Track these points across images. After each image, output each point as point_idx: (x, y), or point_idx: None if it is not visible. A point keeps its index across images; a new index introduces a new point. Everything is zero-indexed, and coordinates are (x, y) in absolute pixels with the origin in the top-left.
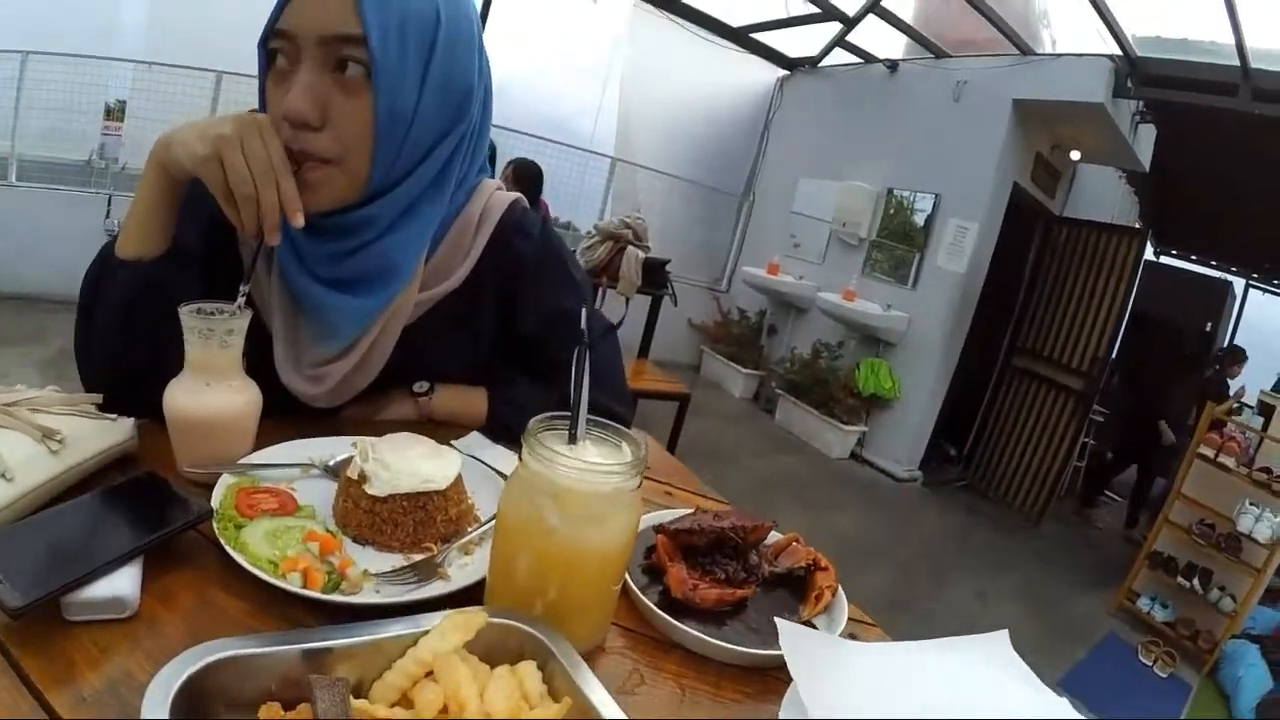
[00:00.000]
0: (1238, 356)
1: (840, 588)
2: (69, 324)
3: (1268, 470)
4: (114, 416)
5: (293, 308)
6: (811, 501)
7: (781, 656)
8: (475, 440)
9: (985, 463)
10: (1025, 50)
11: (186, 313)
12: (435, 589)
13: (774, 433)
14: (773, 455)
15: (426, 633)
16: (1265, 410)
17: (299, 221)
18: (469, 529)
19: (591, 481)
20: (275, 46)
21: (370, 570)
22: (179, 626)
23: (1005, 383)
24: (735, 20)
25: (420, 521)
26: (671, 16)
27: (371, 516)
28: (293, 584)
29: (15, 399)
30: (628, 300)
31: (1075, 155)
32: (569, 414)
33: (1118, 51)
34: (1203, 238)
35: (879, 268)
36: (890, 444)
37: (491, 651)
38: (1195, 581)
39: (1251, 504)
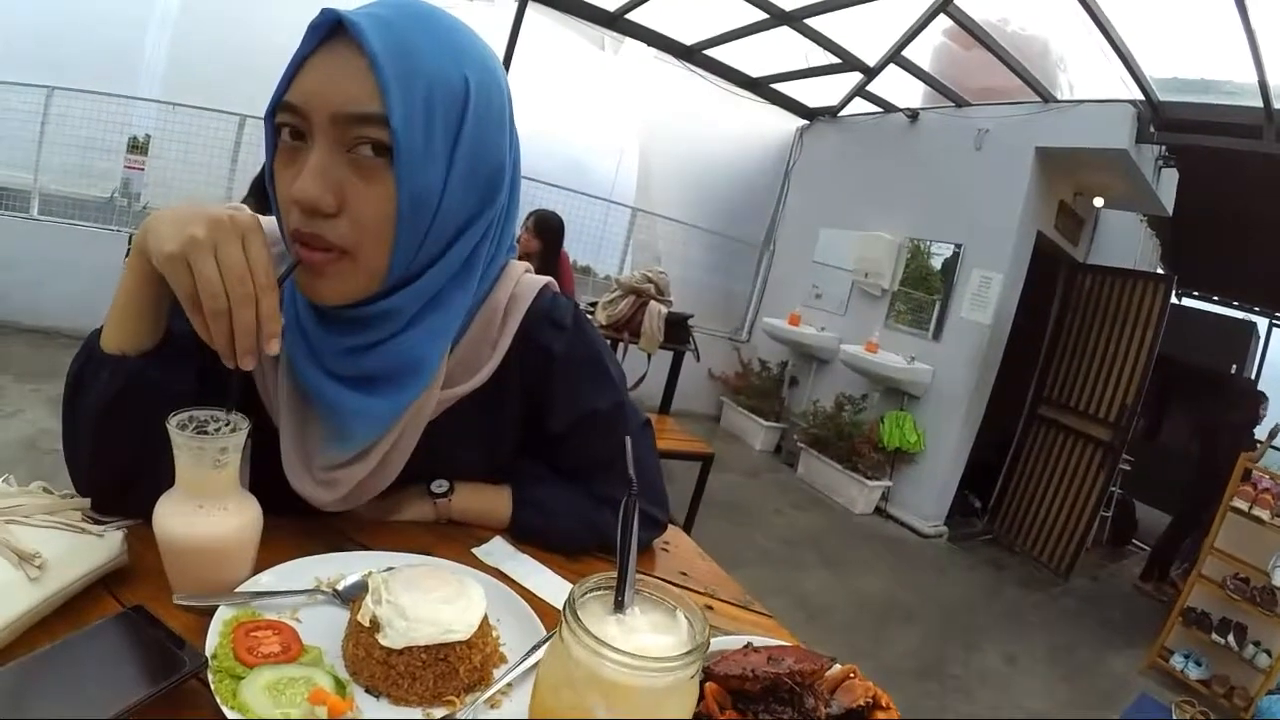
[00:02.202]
0: (1260, 399)
1: None
2: None
3: None
4: (101, 531)
5: (301, 403)
6: (835, 560)
7: None
8: (498, 548)
9: (1011, 516)
10: (1046, 97)
11: (175, 429)
12: None
13: (796, 487)
14: (795, 511)
15: None
16: None
17: (274, 349)
18: (495, 674)
19: (646, 674)
20: (284, 121)
21: None
22: None
23: (1031, 434)
24: (755, 71)
25: (441, 674)
26: (691, 68)
27: (386, 669)
28: None
29: None
30: (649, 356)
31: (1099, 202)
32: (614, 577)
33: (1139, 96)
34: (1224, 278)
35: (902, 319)
36: (915, 499)
37: None
38: (1230, 638)
39: None
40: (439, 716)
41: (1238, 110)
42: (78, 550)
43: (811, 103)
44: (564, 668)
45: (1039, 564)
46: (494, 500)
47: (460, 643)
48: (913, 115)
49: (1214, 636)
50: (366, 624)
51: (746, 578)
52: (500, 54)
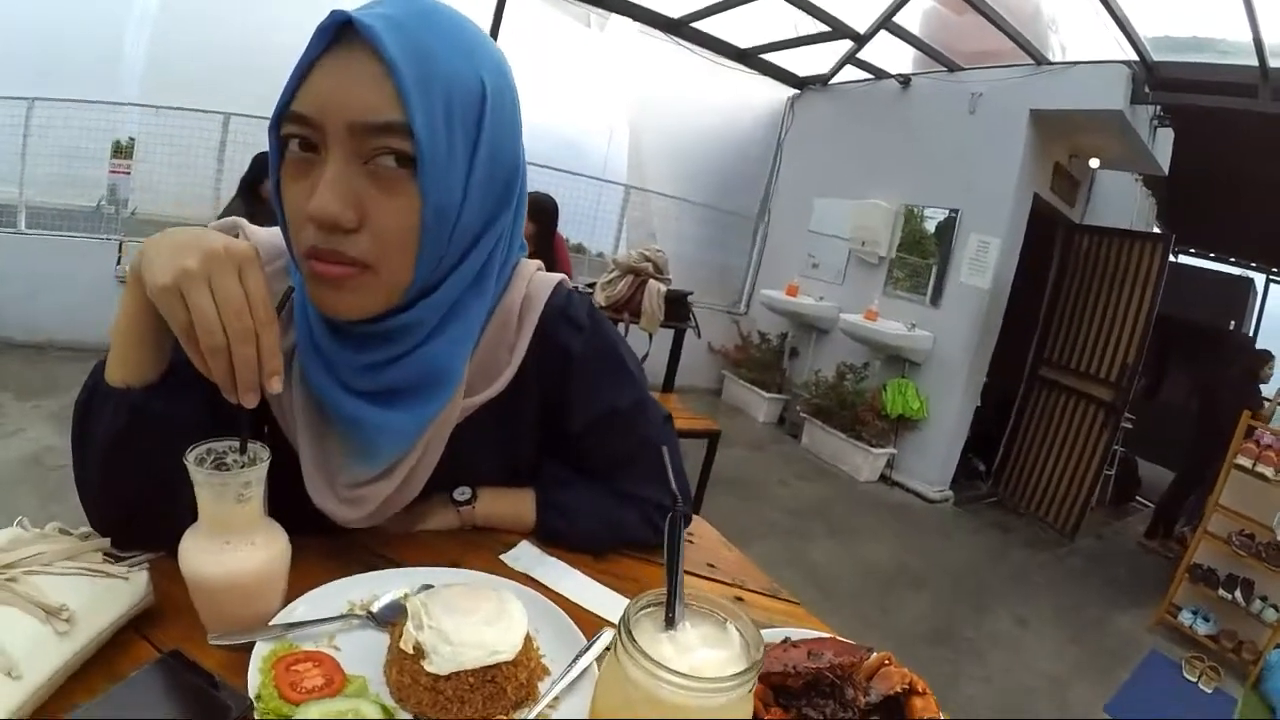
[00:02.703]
0: (1265, 359)
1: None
2: (81, 373)
3: None
4: (126, 572)
5: (319, 420)
6: (843, 529)
7: None
8: (526, 553)
9: (1015, 478)
10: (1040, 60)
11: (195, 466)
12: None
13: (801, 458)
14: (800, 482)
15: None
16: None
17: (275, 387)
18: (540, 688)
19: (705, 694)
20: (293, 132)
21: None
22: None
23: (1033, 396)
24: (743, 42)
25: (489, 695)
26: (679, 41)
27: (434, 694)
28: None
29: (15, 558)
30: (651, 335)
31: (1094, 163)
32: (663, 593)
33: (1133, 56)
34: (1221, 235)
35: (901, 286)
36: (920, 465)
37: None
38: (1237, 593)
39: None
40: None
41: (1232, 69)
42: (105, 596)
43: (801, 72)
44: (622, 690)
45: (1044, 525)
46: (517, 504)
47: (503, 664)
48: (905, 81)
49: (1221, 592)
50: (410, 650)
51: (756, 552)
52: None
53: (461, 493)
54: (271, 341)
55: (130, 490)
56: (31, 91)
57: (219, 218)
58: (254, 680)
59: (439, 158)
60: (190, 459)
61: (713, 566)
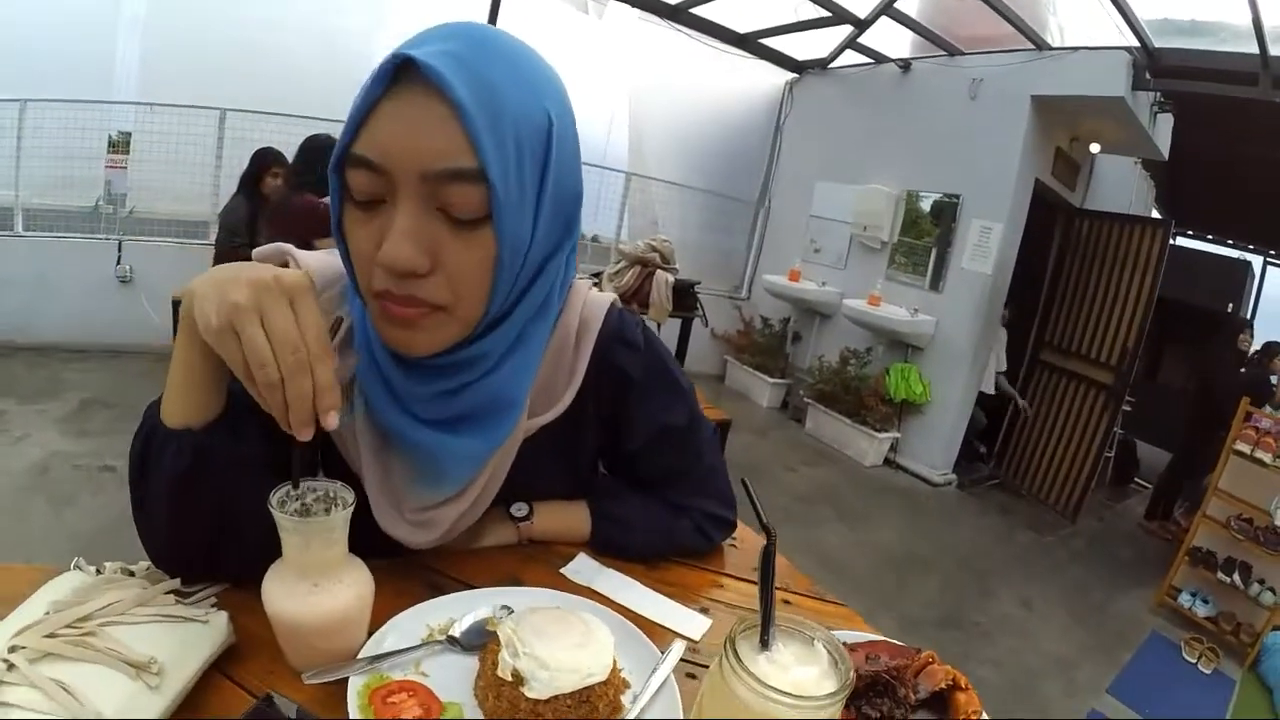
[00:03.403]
0: (1276, 351)
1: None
2: (86, 374)
3: None
4: (205, 616)
5: (381, 446)
6: (850, 513)
7: None
8: (584, 565)
9: (1017, 461)
10: (1040, 45)
11: (281, 513)
12: None
13: (805, 443)
14: (806, 467)
15: None
16: None
17: (331, 423)
18: (623, 701)
19: (810, 710)
20: (357, 176)
21: None
22: None
23: (1034, 380)
24: (742, 27)
25: (584, 715)
26: (677, 27)
27: (534, 718)
28: None
29: (90, 609)
30: (659, 326)
31: (1095, 148)
32: (759, 615)
33: (1133, 41)
34: (1219, 218)
35: (903, 271)
36: (924, 448)
37: None
38: (1235, 576)
39: None
40: None
41: (1233, 57)
42: (189, 642)
43: (801, 56)
44: (731, 707)
45: (1046, 507)
46: (572, 518)
47: (596, 685)
48: (905, 66)
49: (1220, 575)
50: (509, 677)
51: None
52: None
53: (519, 509)
54: (326, 376)
55: (198, 528)
56: (24, 93)
57: (220, 215)
58: (355, 716)
59: (511, 199)
60: (273, 502)
61: (756, 570)
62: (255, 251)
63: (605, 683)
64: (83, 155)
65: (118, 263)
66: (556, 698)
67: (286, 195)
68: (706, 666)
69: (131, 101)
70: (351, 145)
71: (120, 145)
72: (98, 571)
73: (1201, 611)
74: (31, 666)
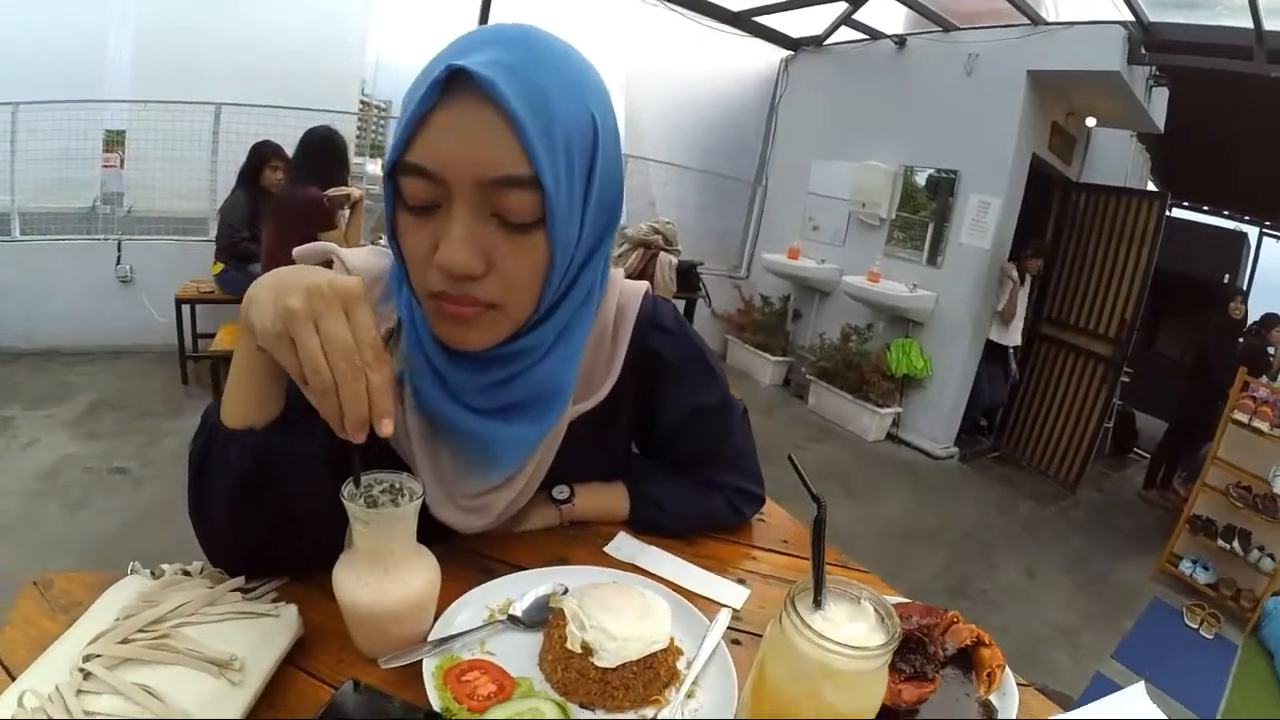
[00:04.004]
0: (1274, 322)
1: (1007, 666)
2: (91, 377)
3: None
4: (276, 610)
5: (431, 435)
6: (855, 488)
7: None
8: (626, 543)
9: (1017, 433)
10: (1035, 19)
11: (354, 505)
12: None
13: (808, 419)
14: (810, 443)
15: None
16: None
17: (386, 431)
18: (679, 666)
19: (864, 659)
20: (412, 184)
21: None
22: None
23: (1033, 352)
24: (736, 5)
25: (648, 681)
26: (671, 6)
27: (602, 685)
28: None
29: (161, 612)
30: None
31: (1091, 122)
32: (812, 577)
33: (1127, 15)
34: (1215, 190)
35: (902, 247)
36: (925, 423)
37: None
38: (1235, 543)
39: None
40: (649, 713)
41: (1228, 31)
42: (264, 637)
43: (795, 33)
44: (792, 662)
45: (1047, 478)
46: (611, 498)
47: (659, 651)
48: (900, 42)
49: (1219, 542)
50: (578, 649)
51: None
52: (475, 13)
53: (560, 491)
54: (380, 381)
55: (258, 526)
56: (15, 96)
57: (220, 211)
58: (434, 696)
59: (562, 203)
60: (346, 495)
61: (786, 542)
62: (297, 251)
63: (665, 649)
64: (77, 156)
65: (118, 263)
66: (623, 665)
67: (290, 188)
68: (750, 633)
69: (125, 100)
70: (405, 154)
71: (115, 144)
72: (153, 574)
73: (1202, 578)
74: (111, 673)
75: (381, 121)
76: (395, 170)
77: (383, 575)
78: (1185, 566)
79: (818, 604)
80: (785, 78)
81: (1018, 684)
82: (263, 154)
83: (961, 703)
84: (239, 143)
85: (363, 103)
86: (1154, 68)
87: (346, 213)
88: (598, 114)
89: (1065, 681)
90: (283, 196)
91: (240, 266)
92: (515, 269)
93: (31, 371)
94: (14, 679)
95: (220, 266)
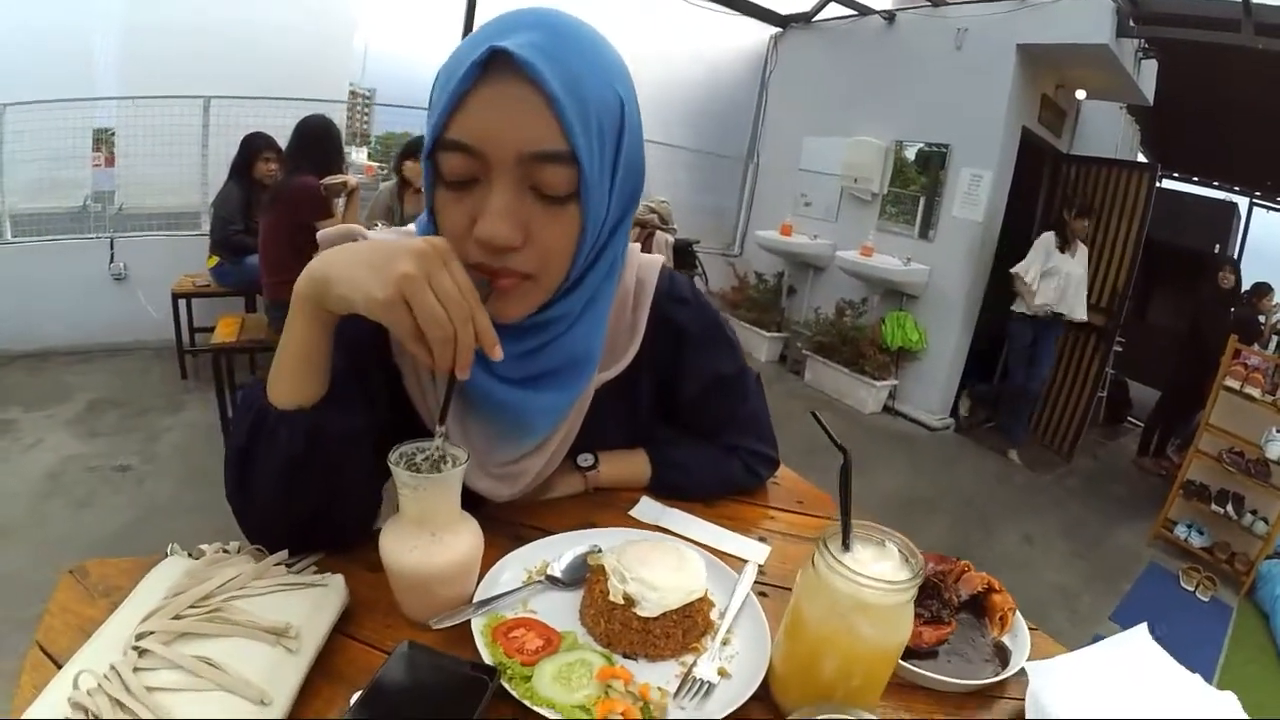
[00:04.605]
0: (1264, 291)
1: (1018, 610)
2: (88, 376)
3: None
4: (325, 580)
5: (461, 408)
6: (856, 459)
7: (992, 682)
8: (650, 507)
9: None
10: None
11: (403, 470)
12: (734, 690)
13: (805, 394)
14: (808, 420)
15: None
16: None
17: (498, 355)
18: (713, 618)
19: (893, 593)
20: (452, 159)
21: (656, 684)
22: None
23: None
24: None
25: (687, 629)
26: None
27: (645, 635)
28: None
29: (211, 587)
30: None
31: (1081, 94)
32: (840, 523)
33: None
34: (1205, 160)
35: (894, 221)
36: (921, 394)
37: None
38: (1229, 507)
39: (1278, 431)
40: (689, 660)
41: (1216, 4)
42: (315, 606)
43: (783, 9)
44: (828, 599)
45: (1043, 447)
46: (634, 465)
47: (697, 599)
48: (889, 17)
49: (1214, 507)
50: (620, 601)
51: None
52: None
53: (585, 459)
54: (485, 321)
55: (306, 506)
56: (2, 97)
57: (213, 204)
58: (486, 652)
59: (595, 177)
60: (397, 467)
61: (801, 502)
62: (322, 235)
63: (701, 599)
64: (67, 155)
65: (111, 261)
66: (664, 615)
67: (286, 178)
68: (775, 586)
69: (113, 97)
70: (446, 131)
71: (105, 142)
72: (190, 556)
73: (1197, 542)
74: (168, 648)
75: (367, 110)
76: (436, 147)
77: (430, 539)
78: (1180, 531)
79: (846, 546)
80: (775, 55)
81: (1028, 628)
82: (255, 145)
83: (977, 644)
84: (229, 135)
85: (352, 93)
86: (1143, 40)
87: (343, 201)
88: (623, 95)
89: (1065, 643)
90: (279, 186)
91: (235, 259)
92: (550, 240)
93: (29, 373)
94: (59, 666)
95: (215, 260)
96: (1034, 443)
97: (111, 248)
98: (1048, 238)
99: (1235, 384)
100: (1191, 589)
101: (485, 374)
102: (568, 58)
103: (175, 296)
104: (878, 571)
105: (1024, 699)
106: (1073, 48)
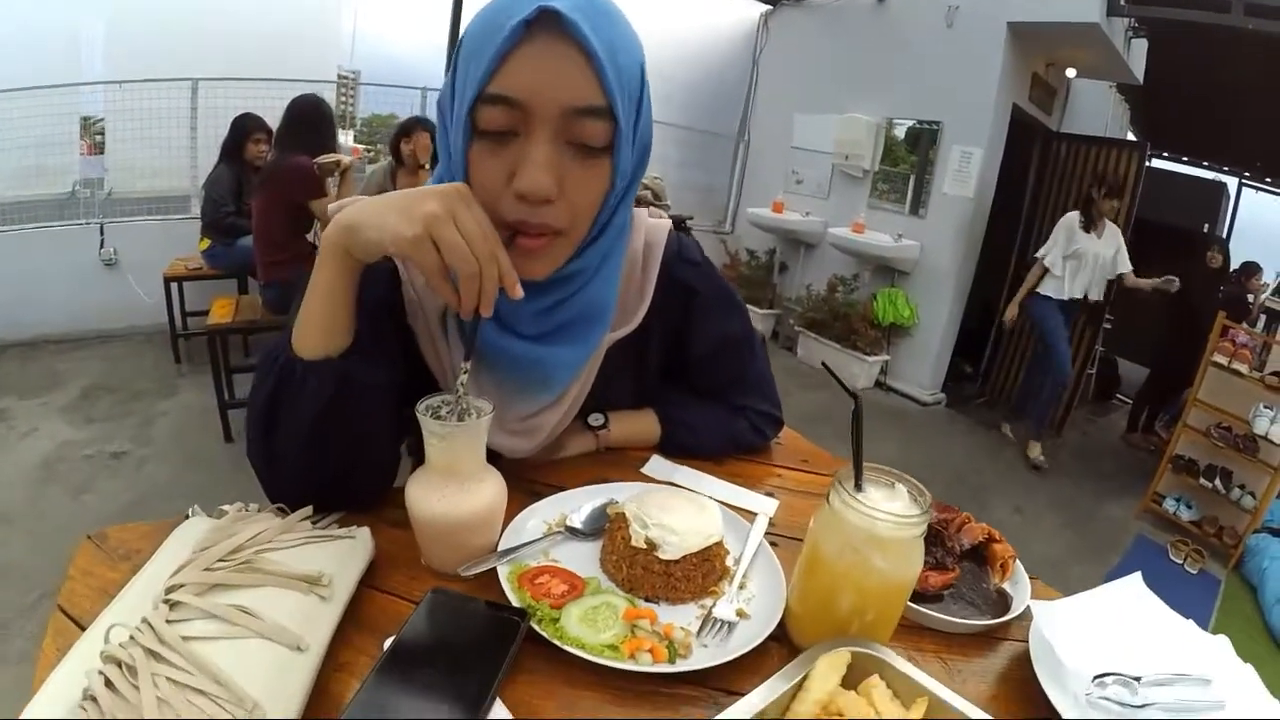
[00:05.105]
0: (1253, 270)
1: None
2: (81, 363)
3: (1279, 374)
4: (352, 533)
5: (479, 366)
6: (846, 435)
7: (996, 623)
8: (660, 465)
9: (1002, 379)
10: None
11: (431, 420)
12: (753, 630)
13: (798, 370)
14: (802, 393)
15: (804, 677)
16: (1272, 315)
17: (518, 293)
18: (728, 563)
19: (907, 527)
20: (493, 113)
21: (681, 626)
22: None
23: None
24: None
25: (706, 572)
26: None
27: (666, 578)
28: (645, 664)
29: (239, 541)
30: None
31: (1071, 73)
32: (852, 465)
33: None
34: (1194, 140)
35: (886, 198)
36: (913, 370)
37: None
38: (1217, 482)
39: (1266, 407)
40: (708, 603)
41: None
42: (345, 557)
43: None
44: (843, 535)
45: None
46: (643, 424)
47: (715, 543)
48: None
49: (1202, 481)
50: (642, 545)
51: None
52: None
53: (596, 419)
54: (507, 260)
55: (331, 461)
56: None
57: (204, 186)
58: (514, 597)
59: (626, 135)
60: (424, 416)
61: (805, 461)
62: (332, 206)
63: (718, 543)
64: (54, 142)
65: (101, 247)
66: (685, 558)
67: (278, 158)
68: (784, 537)
69: (100, 81)
70: (489, 85)
71: (92, 127)
72: (211, 518)
73: (1185, 516)
74: (202, 599)
75: (352, 91)
76: (479, 101)
77: (457, 488)
78: (1169, 504)
79: (859, 487)
80: (765, 32)
81: (1029, 577)
82: (245, 126)
83: (980, 590)
84: (217, 118)
85: (340, 75)
86: (1133, 19)
87: (336, 180)
88: (643, 62)
89: None
90: (271, 166)
91: (227, 241)
92: (583, 194)
93: (21, 362)
94: (83, 629)
95: (207, 242)
96: (1024, 418)
97: (101, 233)
98: (1071, 218)
99: (1223, 359)
100: (1180, 561)
101: (502, 332)
102: (604, 23)
103: (167, 280)
104: (887, 509)
105: (1026, 641)
106: (1063, 26)
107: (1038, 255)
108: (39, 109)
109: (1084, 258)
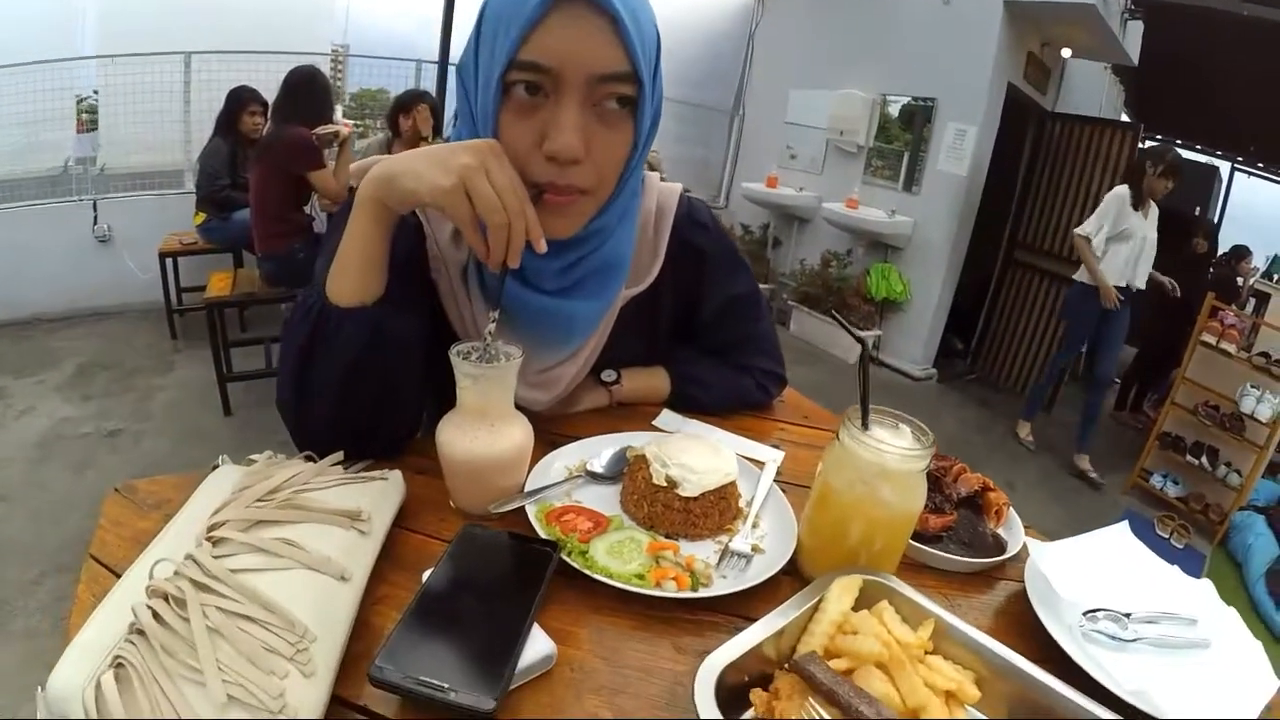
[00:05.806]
0: (1243, 254)
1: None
2: (76, 340)
3: (1266, 355)
4: (386, 475)
5: (500, 321)
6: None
7: (993, 562)
8: (671, 419)
9: (993, 355)
10: None
11: (465, 362)
12: (768, 562)
13: (791, 344)
14: (796, 367)
15: (819, 600)
16: (1261, 298)
17: (543, 247)
18: (741, 504)
19: (912, 460)
20: (523, 79)
21: (701, 559)
22: (599, 658)
23: (1008, 277)
24: None
25: (723, 510)
26: None
27: (685, 515)
28: (670, 591)
29: (275, 483)
30: None
31: (1066, 53)
32: (860, 406)
33: None
34: (1188, 123)
35: (880, 174)
36: (905, 345)
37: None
38: (1203, 459)
39: (1253, 386)
40: (726, 540)
41: None
42: (380, 496)
43: None
44: (853, 469)
45: (1023, 398)
46: (654, 380)
47: (731, 482)
48: None
49: (1189, 458)
50: (663, 483)
51: None
52: None
53: (608, 374)
54: (534, 215)
55: (362, 408)
56: None
57: (199, 160)
58: (543, 532)
59: (648, 98)
60: (457, 358)
61: (807, 418)
62: (355, 167)
63: (733, 483)
64: (46, 118)
65: (94, 223)
66: (703, 495)
67: (276, 129)
68: (791, 484)
69: (92, 56)
70: (520, 53)
71: (85, 102)
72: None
73: (1172, 492)
74: (246, 534)
75: (341, 65)
76: (510, 68)
77: (488, 430)
78: (1156, 480)
79: (865, 426)
80: (761, 7)
81: (1026, 526)
82: (240, 99)
83: (977, 533)
84: (212, 91)
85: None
86: (1129, 1)
87: (335, 151)
88: (659, 28)
89: None
90: (269, 138)
91: (223, 215)
92: (608, 155)
93: (14, 340)
94: (118, 576)
95: (203, 217)
96: (1014, 395)
97: (95, 210)
98: (1121, 192)
99: (1211, 339)
100: (1166, 536)
101: (524, 287)
102: None
103: (162, 256)
104: (892, 445)
105: (1022, 581)
106: (1059, 6)
107: (1079, 231)
108: (31, 85)
109: (1133, 239)
